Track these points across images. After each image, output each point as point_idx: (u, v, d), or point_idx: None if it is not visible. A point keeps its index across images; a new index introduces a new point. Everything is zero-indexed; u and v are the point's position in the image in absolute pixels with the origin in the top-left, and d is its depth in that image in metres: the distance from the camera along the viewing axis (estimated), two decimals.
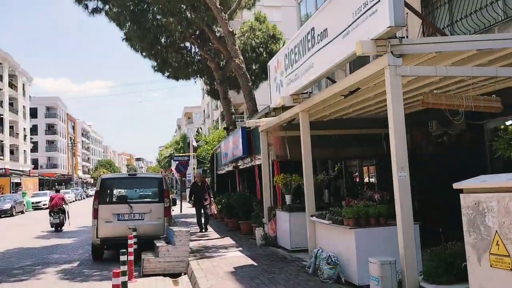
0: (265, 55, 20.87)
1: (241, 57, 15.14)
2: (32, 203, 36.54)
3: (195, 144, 44.22)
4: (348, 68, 12.55)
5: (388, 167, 12.91)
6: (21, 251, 12.09)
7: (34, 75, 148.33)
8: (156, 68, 20.74)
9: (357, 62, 8.74)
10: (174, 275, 8.30)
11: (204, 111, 66.89)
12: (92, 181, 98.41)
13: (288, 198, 9.75)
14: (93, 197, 10.45)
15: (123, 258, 6.17)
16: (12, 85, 56.82)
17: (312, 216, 7.47)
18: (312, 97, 7.25)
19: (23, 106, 61.27)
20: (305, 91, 7.58)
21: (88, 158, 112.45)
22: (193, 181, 35.94)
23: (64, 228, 17.63)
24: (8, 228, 20.62)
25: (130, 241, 7.94)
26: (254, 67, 21.24)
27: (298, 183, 9.66)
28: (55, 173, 75.17)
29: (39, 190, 50.91)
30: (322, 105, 7.62)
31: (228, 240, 11.67)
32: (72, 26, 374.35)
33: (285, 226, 9.41)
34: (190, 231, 9.09)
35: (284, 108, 9.46)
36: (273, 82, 8.84)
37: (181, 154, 38.92)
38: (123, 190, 10.79)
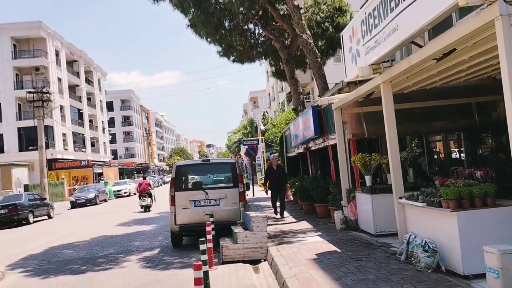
0: (331, 30, 19.83)
1: (308, 32, 14.38)
2: (114, 191, 38.63)
3: (262, 127, 44.13)
4: (426, 34, 11.42)
5: (477, 140, 11.56)
6: (104, 239, 12.54)
7: (108, 70, 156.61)
8: (221, 53, 20.56)
9: (435, 26, 7.74)
10: (254, 262, 8.04)
11: (269, 94, 66.58)
12: (167, 168, 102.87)
13: (367, 179, 9.06)
14: (169, 184, 10.48)
15: (202, 247, 5.93)
16: (88, 81, 60.29)
17: (400, 198, 6.77)
18: (397, 65, 6.45)
19: (100, 100, 64.88)
20: (386, 60, 6.80)
21: (163, 147, 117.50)
22: (263, 165, 35.82)
23: (152, 210, 20.19)
24: (93, 216, 21.83)
25: (208, 228, 7.76)
26: (320, 44, 20.29)
27: (378, 163, 8.94)
28: (133, 162, 79.38)
29: (120, 179, 53.91)
30: (406, 74, 6.80)
31: (305, 224, 11.23)
32: (140, 20, 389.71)
33: (366, 209, 8.75)
34: (267, 216, 8.74)
35: (360, 82, 8.72)
36: (348, 53, 8.10)
37: (249, 139, 38.98)
38: (197, 176, 10.70)
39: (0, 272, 8.21)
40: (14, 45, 46.41)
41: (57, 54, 50.07)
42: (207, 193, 9.87)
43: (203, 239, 6.14)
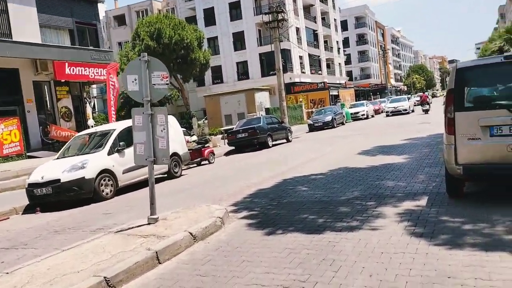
0: None
1: None
2: (351, 114, 36.57)
3: None
4: None
5: None
6: (345, 173, 9.84)
7: None
8: None
9: None
10: None
11: None
12: (405, 89, 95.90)
13: None
14: (444, 100, 6.74)
15: None
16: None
17: None
18: None
19: (334, 19, 62.44)
20: None
21: (399, 65, 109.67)
22: None
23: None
24: (330, 140, 19.86)
25: None
26: None
27: None
28: (369, 83, 76.10)
29: (355, 100, 51.67)
30: None
31: None
32: None
33: None
34: None
35: None
36: None
37: None
38: (495, 86, 6.48)
39: (219, 219, 6.34)
40: None
41: None
42: None
43: None
